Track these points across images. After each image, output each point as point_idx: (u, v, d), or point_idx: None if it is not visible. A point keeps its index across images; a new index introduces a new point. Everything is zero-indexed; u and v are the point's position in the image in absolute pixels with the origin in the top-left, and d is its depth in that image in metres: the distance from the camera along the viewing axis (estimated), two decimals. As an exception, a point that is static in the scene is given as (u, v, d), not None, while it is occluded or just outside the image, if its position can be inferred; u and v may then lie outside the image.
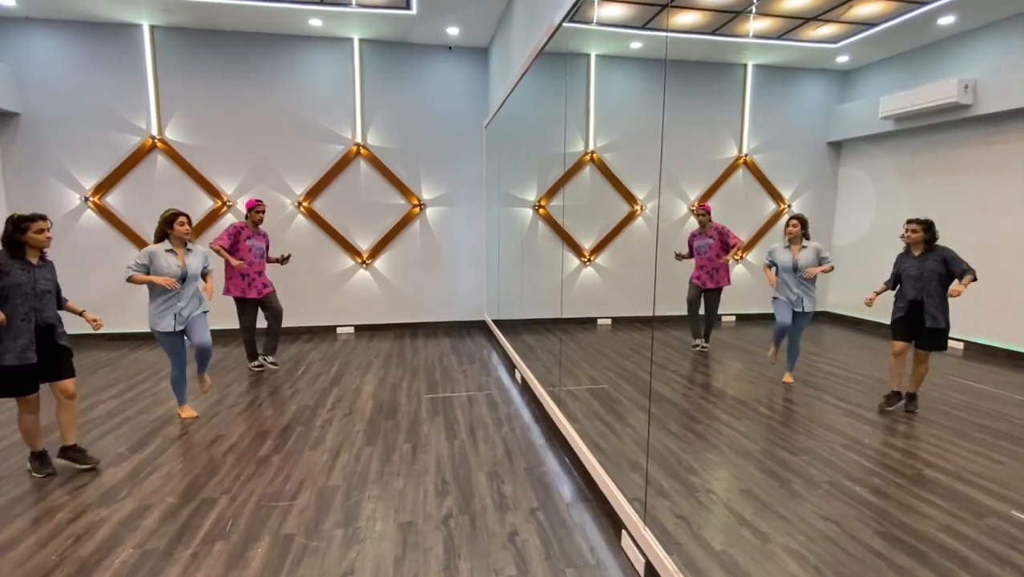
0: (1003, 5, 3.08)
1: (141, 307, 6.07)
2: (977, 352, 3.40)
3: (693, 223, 5.59)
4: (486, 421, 3.98)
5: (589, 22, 3.99)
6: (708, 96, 6.16)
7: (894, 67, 4.37)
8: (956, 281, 3.35)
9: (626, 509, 2.42)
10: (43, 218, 2.94)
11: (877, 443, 3.30)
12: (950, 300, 3.36)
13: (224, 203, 6.58)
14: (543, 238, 6.56)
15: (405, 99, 6.93)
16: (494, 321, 6.91)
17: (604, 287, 6.94)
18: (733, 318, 6.13)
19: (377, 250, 7.08)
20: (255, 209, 5.01)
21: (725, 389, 4.53)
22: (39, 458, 3.07)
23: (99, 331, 3.79)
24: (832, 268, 4.19)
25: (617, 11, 5.10)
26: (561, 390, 3.97)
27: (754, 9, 4.73)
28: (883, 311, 3.72)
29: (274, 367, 5.22)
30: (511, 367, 5.33)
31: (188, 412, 3.97)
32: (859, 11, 4.09)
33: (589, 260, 6.93)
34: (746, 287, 5.96)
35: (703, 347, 5.44)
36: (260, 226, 5.09)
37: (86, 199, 6.27)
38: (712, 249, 5.28)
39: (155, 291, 3.61)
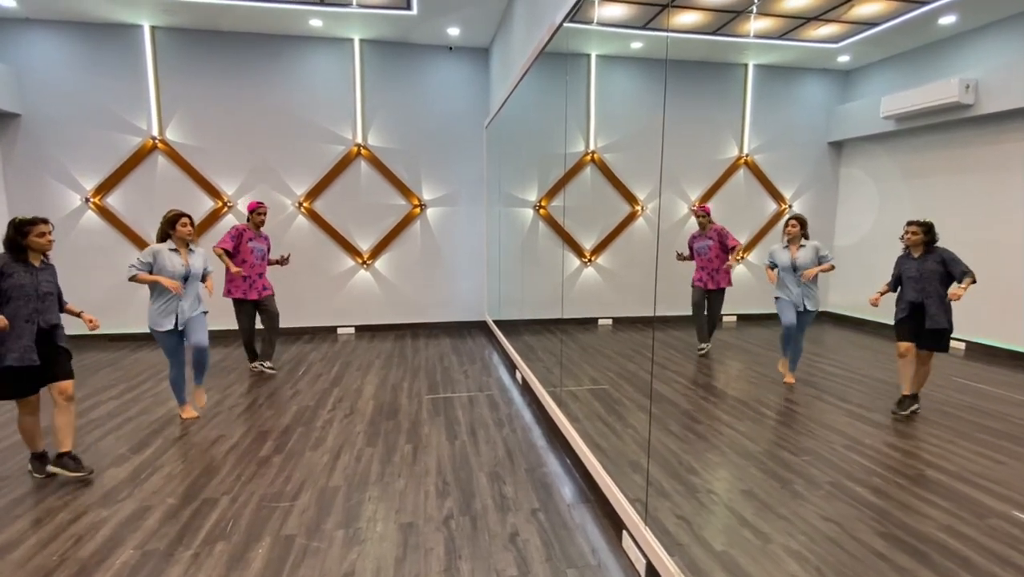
0: (1004, 5, 3.07)
1: (142, 308, 6.07)
2: (979, 352, 3.38)
3: (694, 223, 5.57)
4: (487, 422, 3.97)
5: (590, 22, 3.99)
6: (709, 96, 6.15)
7: (895, 67, 4.36)
8: (956, 284, 3.34)
9: (627, 510, 2.42)
10: (44, 221, 2.95)
11: (878, 443, 3.29)
12: (952, 302, 3.35)
13: (225, 204, 6.59)
14: (544, 238, 6.56)
15: (406, 99, 6.93)
16: (495, 321, 6.91)
17: (605, 287, 6.93)
18: (734, 318, 6.11)
19: (378, 250, 7.09)
20: (256, 211, 5.01)
21: (726, 389, 4.52)
22: (40, 459, 3.07)
23: (99, 332, 3.79)
24: (832, 267, 4.19)
25: (618, 11, 5.09)
26: (562, 391, 3.97)
27: (755, 9, 4.73)
28: (885, 312, 3.71)
29: (272, 372, 5.19)
30: (512, 367, 5.33)
31: (189, 412, 3.98)
32: (860, 11, 4.08)
33: (590, 260, 6.93)
34: (747, 287, 5.96)
35: (705, 349, 5.42)
36: (261, 228, 5.10)
37: (87, 200, 6.28)
38: (712, 250, 5.26)
39: (157, 291, 3.61)
